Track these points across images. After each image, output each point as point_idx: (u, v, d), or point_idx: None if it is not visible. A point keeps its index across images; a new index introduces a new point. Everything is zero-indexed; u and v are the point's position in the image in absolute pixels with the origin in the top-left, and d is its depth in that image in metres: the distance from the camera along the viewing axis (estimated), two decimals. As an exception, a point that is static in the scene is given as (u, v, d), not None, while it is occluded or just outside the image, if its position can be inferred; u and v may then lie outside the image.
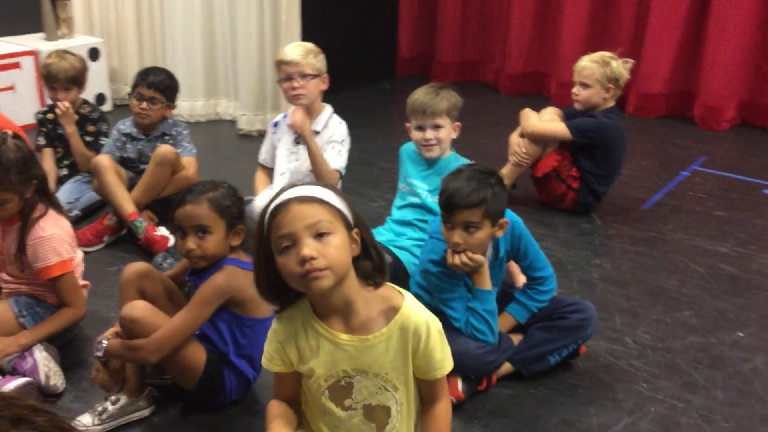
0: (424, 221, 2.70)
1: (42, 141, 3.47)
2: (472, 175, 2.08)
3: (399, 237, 2.74)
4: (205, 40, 4.63)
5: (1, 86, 4.35)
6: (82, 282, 2.35)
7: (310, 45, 2.95)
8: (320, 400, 1.56)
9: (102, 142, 3.36)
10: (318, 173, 2.86)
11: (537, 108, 3.62)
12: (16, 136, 2.18)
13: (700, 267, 2.99)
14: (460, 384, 2.12)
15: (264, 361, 1.59)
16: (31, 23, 4.73)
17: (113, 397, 2.02)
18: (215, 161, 4.13)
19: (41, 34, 4.69)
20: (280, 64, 2.90)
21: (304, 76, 2.86)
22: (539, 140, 3.42)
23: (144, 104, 3.11)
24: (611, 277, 2.90)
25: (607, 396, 2.20)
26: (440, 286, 2.18)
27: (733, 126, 4.85)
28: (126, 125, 3.23)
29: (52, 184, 3.38)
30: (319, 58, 2.91)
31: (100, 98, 4.76)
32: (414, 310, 1.51)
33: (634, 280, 2.89)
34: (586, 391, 2.22)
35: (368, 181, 3.84)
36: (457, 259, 2.10)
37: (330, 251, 1.39)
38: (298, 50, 2.88)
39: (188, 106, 4.73)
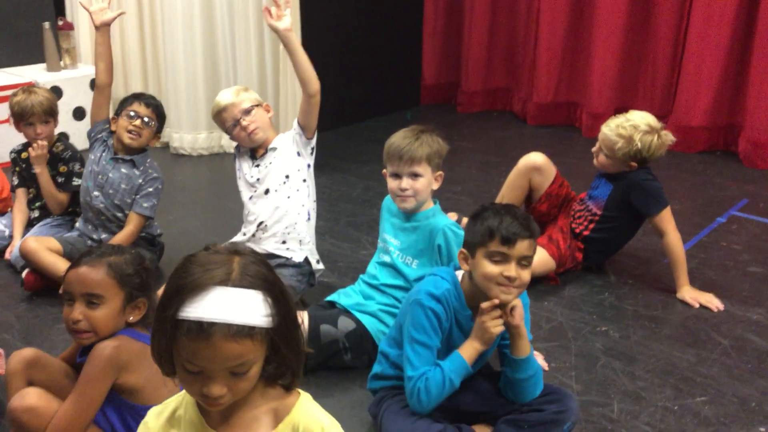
0: (394, 287, 2.39)
1: (16, 181, 3.30)
2: (505, 209, 1.86)
3: (367, 300, 2.43)
4: (207, 71, 4.43)
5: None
6: None
7: (235, 86, 2.84)
8: None
9: (75, 183, 3.16)
10: (302, 74, 2.58)
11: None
12: None
13: (724, 339, 2.58)
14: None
15: None
16: (33, 54, 4.61)
17: None
18: (217, 195, 3.95)
19: (43, 65, 4.57)
20: (220, 113, 2.72)
21: (247, 111, 2.68)
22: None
23: (138, 122, 2.84)
24: (617, 350, 2.52)
25: None
26: (421, 324, 1.87)
27: (782, 163, 4.38)
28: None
29: (21, 227, 3.23)
30: (249, 91, 2.79)
31: (103, 130, 4.60)
32: (309, 412, 1.27)
33: (644, 353, 2.50)
34: (562, 503, 1.87)
35: (363, 224, 3.54)
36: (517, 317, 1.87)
37: (242, 386, 1.20)
38: (229, 93, 2.75)
39: (190, 138, 4.54)
